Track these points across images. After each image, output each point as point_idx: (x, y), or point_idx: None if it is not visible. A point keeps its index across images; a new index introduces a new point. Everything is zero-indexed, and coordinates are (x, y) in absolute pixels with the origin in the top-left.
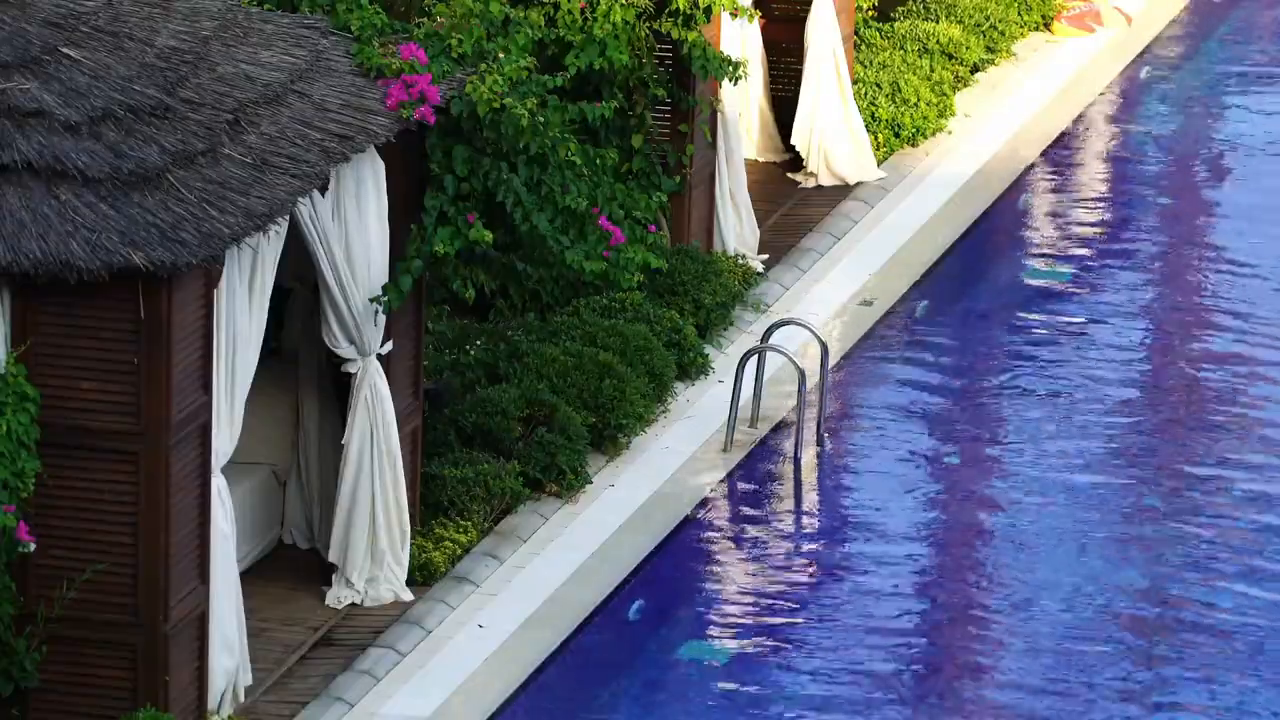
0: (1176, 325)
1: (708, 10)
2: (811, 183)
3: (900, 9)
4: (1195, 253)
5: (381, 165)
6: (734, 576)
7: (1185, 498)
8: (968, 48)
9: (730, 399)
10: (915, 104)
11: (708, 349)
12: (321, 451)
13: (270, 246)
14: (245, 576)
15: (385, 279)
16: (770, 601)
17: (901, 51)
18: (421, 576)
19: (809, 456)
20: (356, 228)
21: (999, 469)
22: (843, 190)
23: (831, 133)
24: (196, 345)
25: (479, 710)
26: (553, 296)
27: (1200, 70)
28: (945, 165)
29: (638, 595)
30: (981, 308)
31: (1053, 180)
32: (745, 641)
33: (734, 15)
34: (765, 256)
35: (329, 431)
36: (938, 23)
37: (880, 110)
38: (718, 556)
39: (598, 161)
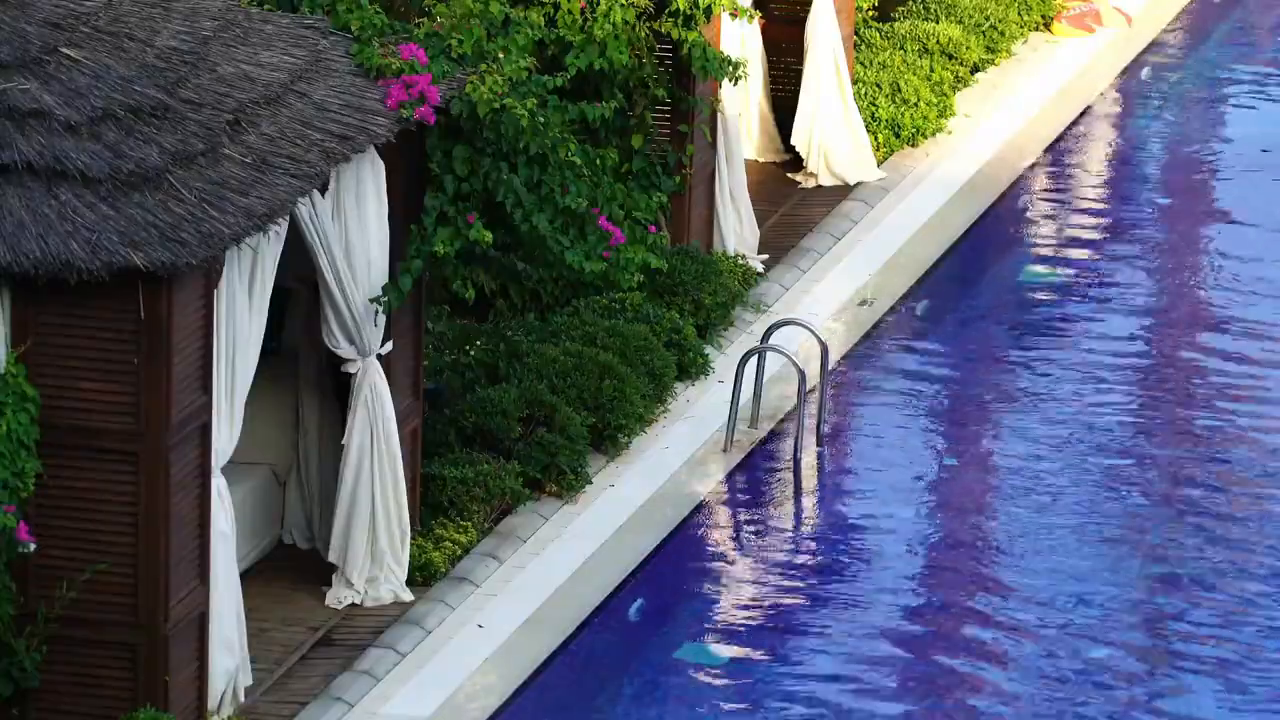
0: (1177, 324)
1: (708, 10)
2: (811, 183)
3: (900, 9)
4: (1195, 252)
5: (381, 165)
6: (734, 576)
7: (1186, 496)
8: (968, 48)
9: (730, 399)
10: (915, 104)
11: (708, 349)
12: (321, 451)
13: (270, 247)
14: (245, 576)
15: (385, 279)
16: (770, 602)
17: (901, 51)
18: (421, 576)
19: (809, 457)
20: (356, 228)
21: (999, 469)
22: (843, 190)
23: (831, 133)
24: (196, 345)
25: (479, 710)
26: (553, 296)
27: (1200, 70)
28: (945, 165)
29: (638, 595)
30: (981, 308)
31: (1053, 180)
32: (745, 641)
33: (734, 15)
34: (765, 256)
35: (329, 431)
36: (938, 23)
37: (880, 110)
38: (718, 556)
39: (598, 161)
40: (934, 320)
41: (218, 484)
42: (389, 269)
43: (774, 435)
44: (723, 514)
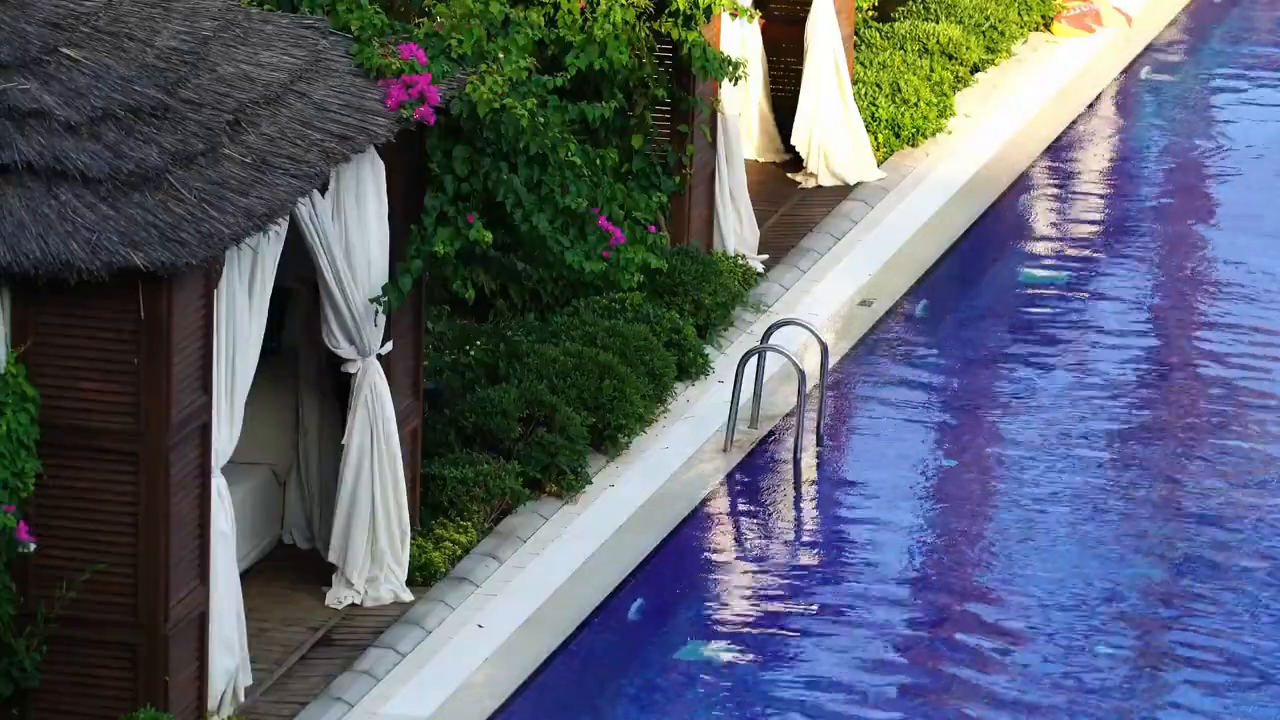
0: (1176, 324)
1: (708, 10)
2: (811, 183)
3: (900, 9)
4: (1195, 252)
5: (381, 165)
6: (734, 577)
7: (1186, 495)
8: (968, 48)
9: (730, 399)
10: (915, 104)
11: (708, 349)
12: (321, 451)
13: (270, 247)
14: (245, 576)
15: (385, 279)
16: (770, 601)
17: (901, 51)
18: (421, 576)
19: (809, 457)
20: (356, 228)
21: (998, 469)
22: (843, 190)
23: (831, 133)
24: (196, 345)
25: (479, 710)
26: (553, 296)
27: (1200, 70)
28: (945, 165)
29: (638, 595)
30: (981, 308)
31: (1052, 180)
32: (745, 642)
33: (734, 15)
34: (765, 256)
35: (329, 431)
36: (938, 23)
37: (880, 110)
38: (718, 556)
39: (598, 161)
40: (934, 320)
41: (218, 484)
42: (389, 269)
43: (774, 435)
44: (723, 514)
